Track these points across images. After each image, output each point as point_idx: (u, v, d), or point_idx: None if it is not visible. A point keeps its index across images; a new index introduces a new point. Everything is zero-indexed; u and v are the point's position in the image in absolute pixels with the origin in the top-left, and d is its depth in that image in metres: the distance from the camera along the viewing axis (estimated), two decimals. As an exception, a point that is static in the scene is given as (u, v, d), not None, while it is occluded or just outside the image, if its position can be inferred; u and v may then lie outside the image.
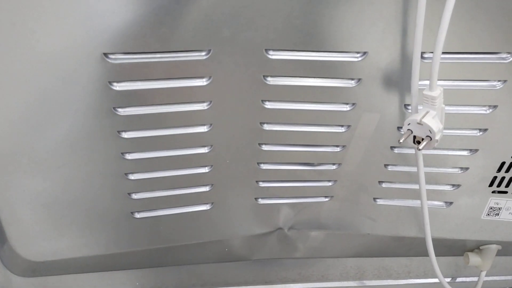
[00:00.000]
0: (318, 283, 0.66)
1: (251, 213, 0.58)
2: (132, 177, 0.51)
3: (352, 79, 0.45)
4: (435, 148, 0.45)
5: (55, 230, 0.54)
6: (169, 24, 0.40)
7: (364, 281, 0.67)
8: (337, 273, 0.67)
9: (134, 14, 0.39)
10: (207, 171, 0.53)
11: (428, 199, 0.56)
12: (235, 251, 0.62)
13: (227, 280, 0.67)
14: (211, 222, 0.58)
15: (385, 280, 0.67)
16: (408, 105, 0.47)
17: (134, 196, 0.53)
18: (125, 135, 0.48)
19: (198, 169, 0.52)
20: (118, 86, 0.44)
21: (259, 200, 0.57)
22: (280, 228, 0.61)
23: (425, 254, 0.66)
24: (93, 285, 0.63)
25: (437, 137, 0.42)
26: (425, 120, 0.42)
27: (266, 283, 0.66)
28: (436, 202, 0.57)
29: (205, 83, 0.45)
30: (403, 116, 0.48)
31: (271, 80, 0.45)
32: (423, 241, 0.62)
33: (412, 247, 0.64)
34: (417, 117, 0.42)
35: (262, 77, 0.45)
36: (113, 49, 0.41)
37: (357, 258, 0.66)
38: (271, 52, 0.43)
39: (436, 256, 0.67)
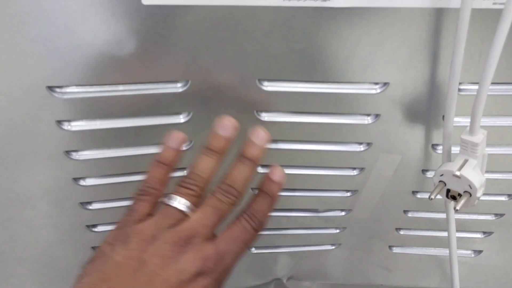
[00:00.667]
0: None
1: (243, 264, 0.49)
2: (96, 229, 0.42)
3: (368, 115, 0.36)
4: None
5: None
6: (135, 50, 0.31)
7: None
8: (343, 324, 0.58)
9: (90, 38, 0.30)
10: (188, 219, 0.43)
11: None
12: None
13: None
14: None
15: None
16: (436, 145, 0.38)
17: (100, 250, 0.44)
18: (84, 182, 0.38)
19: (178, 218, 0.43)
20: (69, 126, 0.34)
21: (253, 249, 0.48)
22: (277, 279, 0.52)
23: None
24: None
25: (479, 193, 0.33)
26: (464, 172, 0.32)
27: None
28: (463, 251, 0.48)
29: (182, 120, 0.36)
30: (429, 158, 0.39)
31: (266, 116, 0.36)
32: (444, 291, 0.53)
33: (431, 297, 0.55)
34: (453, 168, 0.33)
35: (255, 112, 0.36)
36: (60, 82, 0.32)
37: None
38: (265, 83, 0.34)
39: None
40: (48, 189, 0.38)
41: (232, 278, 0.51)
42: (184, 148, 0.35)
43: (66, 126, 0.34)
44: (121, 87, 0.33)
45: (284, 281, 0.52)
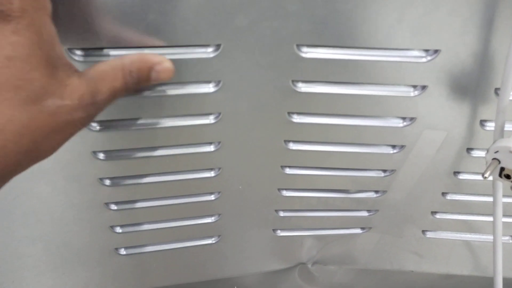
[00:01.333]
0: (344, 323, 0.55)
1: (267, 247, 0.46)
2: (114, 207, 0.39)
3: (414, 86, 0.33)
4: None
5: (23, 271, 0.43)
6: (162, 9, 0.28)
7: (400, 321, 0.55)
8: (367, 311, 0.55)
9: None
10: (213, 198, 0.41)
11: (490, 232, 0.44)
12: (245, 288, 0.51)
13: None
14: (217, 258, 0.46)
15: (425, 320, 0.56)
16: (485, 121, 0.35)
17: (118, 229, 0.41)
18: (103, 156, 0.35)
19: (202, 197, 0.40)
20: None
21: (278, 232, 0.45)
22: (302, 263, 0.49)
23: (476, 291, 0.55)
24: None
25: (539, 172, 0.30)
26: (524, 148, 0.30)
27: (281, 322, 0.55)
28: (505, 237, 0.45)
29: (212, 90, 0.33)
30: (476, 135, 0.36)
31: (302, 87, 0.33)
32: (476, 279, 0.51)
33: (461, 285, 0.53)
34: (510, 144, 0.30)
35: (290, 82, 0.33)
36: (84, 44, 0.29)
37: (392, 295, 0.55)
38: (304, 49, 0.31)
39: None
40: (65, 163, 0.35)
41: (254, 261, 0.48)
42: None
43: (86, 93, 0.31)
44: (146, 51, 0.30)
45: (309, 266, 0.49)
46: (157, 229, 0.42)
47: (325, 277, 0.51)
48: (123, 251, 0.43)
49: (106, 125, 0.34)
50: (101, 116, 0.33)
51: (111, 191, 0.38)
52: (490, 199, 0.40)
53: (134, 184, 0.38)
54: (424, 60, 0.31)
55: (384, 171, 0.39)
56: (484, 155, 0.37)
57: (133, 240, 0.42)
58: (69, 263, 0.43)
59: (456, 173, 0.39)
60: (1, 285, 0.42)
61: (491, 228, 0.42)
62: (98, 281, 0.45)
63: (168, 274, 0.46)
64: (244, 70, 0.32)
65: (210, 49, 0.31)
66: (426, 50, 0.31)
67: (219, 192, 0.40)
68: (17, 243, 0.40)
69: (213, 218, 0.42)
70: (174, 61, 0.31)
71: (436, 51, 0.31)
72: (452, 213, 0.43)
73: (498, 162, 0.31)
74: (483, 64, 0.32)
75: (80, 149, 0.34)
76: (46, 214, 0.39)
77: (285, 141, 0.37)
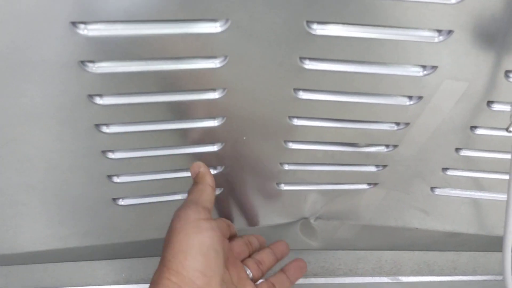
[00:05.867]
0: (344, 278, 0.55)
1: (270, 200, 0.45)
2: (112, 155, 0.37)
3: (439, 31, 0.30)
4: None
5: (18, 219, 0.41)
6: None
7: (400, 277, 0.55)
8: (368, 267, 0.55)
9: None
10: (216, 149, 0.39)
11: (502, 191, 0.43)
12: (246, 241, 0.50)
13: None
14: (217, 210, 0.45)
15: (425, 277, 0.55)
16: (511, 72, 0.33)
17: (116, 179, 0.39)
18: (101, 100, 0.33)
19: (204, 147, 0.39)
20: (86, 30, 0.29)
21: (282, 185, 0.43)
22: (305, 218, 0.48)
23: (478, 249, 0.55)
24: (68, 277, 0.51)
25: None
26: (554, 101, 0.27)
27: (281, 275, 0.55)
28: (513, 196, 0.44)
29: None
30: (499, 87, 0.34)
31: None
32: (480, 238, 0.50)
33: (465, 243, 0.52)
34: (540, 95, 0.28)
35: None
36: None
37: (394, 251, 0.54)
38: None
39: (488, 251, 0.55)
40: (60, 107, 0.33)
41: (256, 214, 0.47)
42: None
43: (82, 29, 0.28)
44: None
45: (312, 221, 0.48)
46: (158, 179, 0.40)
47: (327, 232, 0.50)
48: (121, 202, 0.41)
49: (104, 66, 0.31)
50: (98, 57, 0.30)
51: (108, 138, 0.35)
52: (506, 156, 0.39)
53: (133, 131, 0.35)
54: (452, 1, 0.28)
55: (398, 124, 0.37)
56: (505, 109, 0.35)
57: (132, 191, 0.41)
58: (66, 213, 0.42)
59: (473, 127, 0.37)
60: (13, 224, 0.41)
61: (502, 186, 0.41)
62: (96, 232, 0.44)
63: (167, 226, 0.45)
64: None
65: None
66: (456, -10, 0.28)
67: (222, 142, 0.38)
68: (11, 190, 0.38)
69: (215, 169, 0.41)
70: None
71: (466, -9, 0.28)
72: (463, 170, 0.42)
73: (524, 115, 0.29)
74: (514, 8, 0.29)
75: (75, 91, 0.32)
76: (41, 161, 0.37)
77: (294, 89, 0.34)
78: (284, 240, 0.45)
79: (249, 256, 0.43)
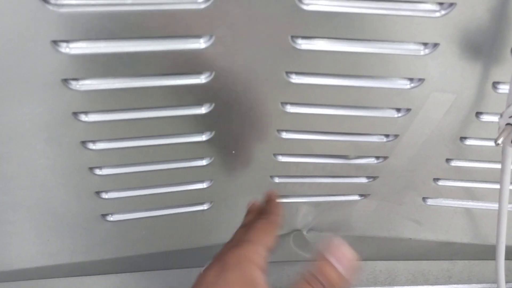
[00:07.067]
0: (338, 289, 0.54)
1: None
2: (99, 172, 0.37)
3: (425, 44, 0.30)
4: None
5: (6, 237, 0.41)
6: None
7: (395, 287, 0.55)
8: (362, 277, 0.54)
9: None
10: (204, 164, 0.38)
11: (494, 200, 0.43)
12: (238, 254, 0.49)
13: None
14: (208, 225, 0.44)
15: (420, 286, 0.55)
16: (498, 83, 0.33)
17: (104, 195, 0.39)
18: (85, 117, 0.33)
19: (193, 162, 0.38)
20: (68, 49, 0.28)
21: (273, 198, 0.43)
22: (298, 230, 0.47)
23: (473, 258, 0.54)
24: (59, 293, 0.50)
25: (556, 139, 0.28)
26: (541, 113, 0.27)
27: None
28: (510, 205, 0.44)
29: (203, 46, 0.30)
30: (487, 99, 0.33)
31: (303, 44, 0.30)
32: (474, 247, 0.50)
33: (459, 252, 0.52)
34: (527, 108, 0.28)
35: (289, 38, 0.30)
36: None
37: (388, 261, 0.54)
38: (305, 1, 0.28)
39: (483, 260, 0.55)
40: (44, 125, 0.32)
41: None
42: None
43: (64, 48, 0.28)
44: (129, 1, 0.27)
45: (304, 233, 0.47)
46: (146, 195, 0.40)
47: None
48: (110, 218, 0.41)
49: (88, 83, 0.31)
50: (81, 74, 0.30)
51: (95, 155, 0.35)
52: (496, 166, 0.39)
53: (119, 148, 0.35)
54: (437, 14, 0.28)
55: (387, 136, 0.37)
56: (494, 120, 0.35)
57: (120, 206, 0.40)
58: (54, 230, 0.41)
59: (462, 138, 0.37)
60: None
61: (494, 196, 0.41)
62: (85, 248, 0.43)
63: (158, 241, 0.44)
64: (239, 23, 0.29)
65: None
66: (440, 4, 0.28)
67: (211, 157, 0.38)
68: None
69: (205, 184, 0.40)
70: (161, 12, 0.28)
71: (451, 5, 0.28)
72: (455, 180, 0.42)
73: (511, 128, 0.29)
74: (500, 20, 0.29)
75: (59, 109, 0.31)
76: (27, 179, 0.36)
77: (282, 103, 0.34)
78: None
79: None
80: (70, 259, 0.44)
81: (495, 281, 0.45)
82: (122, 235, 0.43)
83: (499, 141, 0.29)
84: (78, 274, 0.49)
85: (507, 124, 0.29)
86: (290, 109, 0.35)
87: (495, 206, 0.42)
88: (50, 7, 0.26)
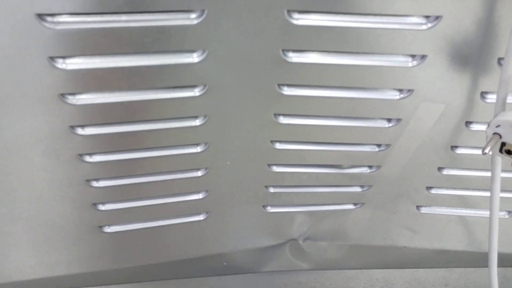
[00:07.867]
0: (336, 298, 0.54)
1: (257, 223, 0.45)
2: (96, 184, 0.38)
3: (413, 56, 0.31)
4: None
5: (4, 249, 0.41)
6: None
7: (392, 295, 0.55)
8: (359, 286, 0.55)
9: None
10: (200, 175, 0.39)
11: (486, 208, 0.43)
12: (236, 264, 0.50)
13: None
14: (205, 235, 0.45)
15: (417, 294, 0.55)
16: (486, 93, 0.33)
17: (101, 207, 0.40)
18: (82, 131, 0.33)
19: (188, 173, 0.39)
20: (64, 64, 0.29)
21: (268, 208, 0.44)
22: (293, 239, 0.48)
23: (469, 265, 0.55)
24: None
25: (542, 147, 0.29)
26: (527, 123, 0.28)
27: (272, 297, 0.55)
28: (501, 212, 0.44)
29: (196, 60, 0.30)
30: (476, 108, 0.34)
31: (294, 57, 0.31)
32: (470, 254, 0.50)
33: (454, 260, 0.52)
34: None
35: (280, 51, 0.30)
36: (52, 9, 0.26)
37: (385, 270, 0.54)
38: (295, 15, 0.29)
39: (479, 267, 0.55)
40: (41, 138, 0.33)
41: (245, 237, 0.47)
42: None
43: (60, 63, 0.29)
44: (124, 17, 0.28)
45: (300, 242, 0.48)
46: (143, 206, 0.40)
47: (316, 253, 0.50)
48: (107, 229, 0.41)
49: (84, 98, 0.31)
50: (78, 89, 0.31)
51: (91, 168, 0.36)
52: (487, 174, 0.39)
53: (116, 160, 0.36)
54: (424, 27, 0.29)
55: (379, 145, 0.38)
56: (483, 129, 0.35)
57: (117, 218, 0.41)
58: (52, 242, 0.41)
59: (453, 147, 0.38)
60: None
61: (487, 203, 0.41)
62: (82, 260, 0.44)
63: (155, 252, 0.45)
64: (231, 38, 0.29)
65: (193, 15, 0.29)
66: (427, 17, 0.29)
67: (206, 168, 0.39)
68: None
69: (201, 194, 0.41)
70: (154, 28, 0.29)
71: (437, 18, 0.29)
72: (447, 188, 0.42)
73: (499, 137, 0.30)
74: (486, 32, 0.30)
75: (56, 123, 0.32)
76: (25, 191, 0.37)
77: (275, 114, 0.35)
78: None
79: None
80: (67, 270, 0.44)
81: (491, 288, 0.45)
82: (119, 247, 0.43)
83: (486, 150, 0.29)
84: (75, 285, 0.49)
85: (494, 133, 0.30)
86: (283, 120, 0.35)
87: (488, 213, 0.42)
88: (47, 25, 0.27)
